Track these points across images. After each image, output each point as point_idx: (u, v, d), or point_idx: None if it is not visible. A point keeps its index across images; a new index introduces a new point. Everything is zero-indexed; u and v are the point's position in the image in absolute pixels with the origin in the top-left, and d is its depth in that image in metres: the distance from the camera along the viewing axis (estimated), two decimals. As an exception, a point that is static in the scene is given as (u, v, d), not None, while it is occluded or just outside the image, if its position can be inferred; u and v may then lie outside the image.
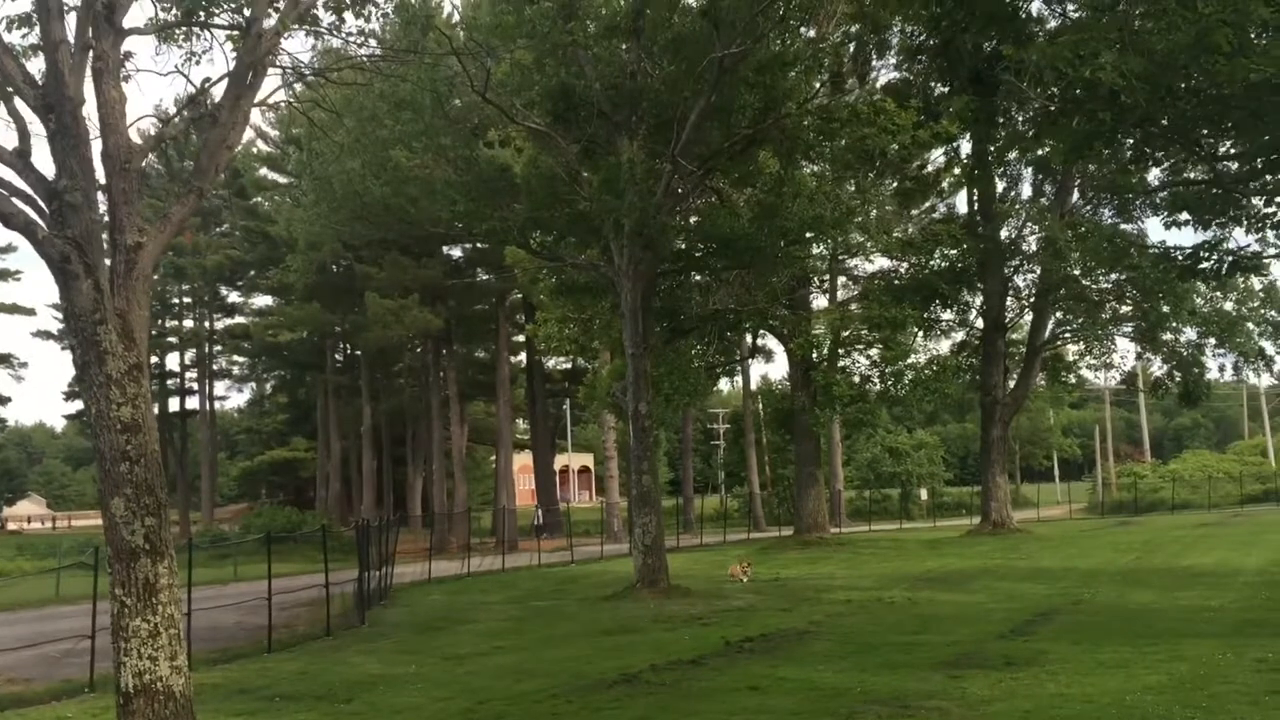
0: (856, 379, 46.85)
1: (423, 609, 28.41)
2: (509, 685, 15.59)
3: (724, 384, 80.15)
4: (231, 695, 15.60)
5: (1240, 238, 21.03)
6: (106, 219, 11.42)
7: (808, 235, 32.02)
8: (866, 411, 46.68)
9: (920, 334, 49.11)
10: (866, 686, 13.83)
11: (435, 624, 24.76)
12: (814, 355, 45.47)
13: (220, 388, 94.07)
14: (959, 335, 53.22)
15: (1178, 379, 51.15)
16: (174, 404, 78.99)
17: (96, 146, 11.19)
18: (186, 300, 76.95)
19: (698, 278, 35.47)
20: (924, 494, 79.96)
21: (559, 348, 48.53)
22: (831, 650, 17.64)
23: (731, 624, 21.94)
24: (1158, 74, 14.21)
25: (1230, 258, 19.93)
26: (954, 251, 46.09)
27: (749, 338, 53.11)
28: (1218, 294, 50.08)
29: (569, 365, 72.89)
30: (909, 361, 46.04)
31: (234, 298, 78.97)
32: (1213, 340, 50.30)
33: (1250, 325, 51.37)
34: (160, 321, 73.36)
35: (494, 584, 35.48)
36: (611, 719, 12.60)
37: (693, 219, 33.93)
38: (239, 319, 78.25)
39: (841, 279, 52.52)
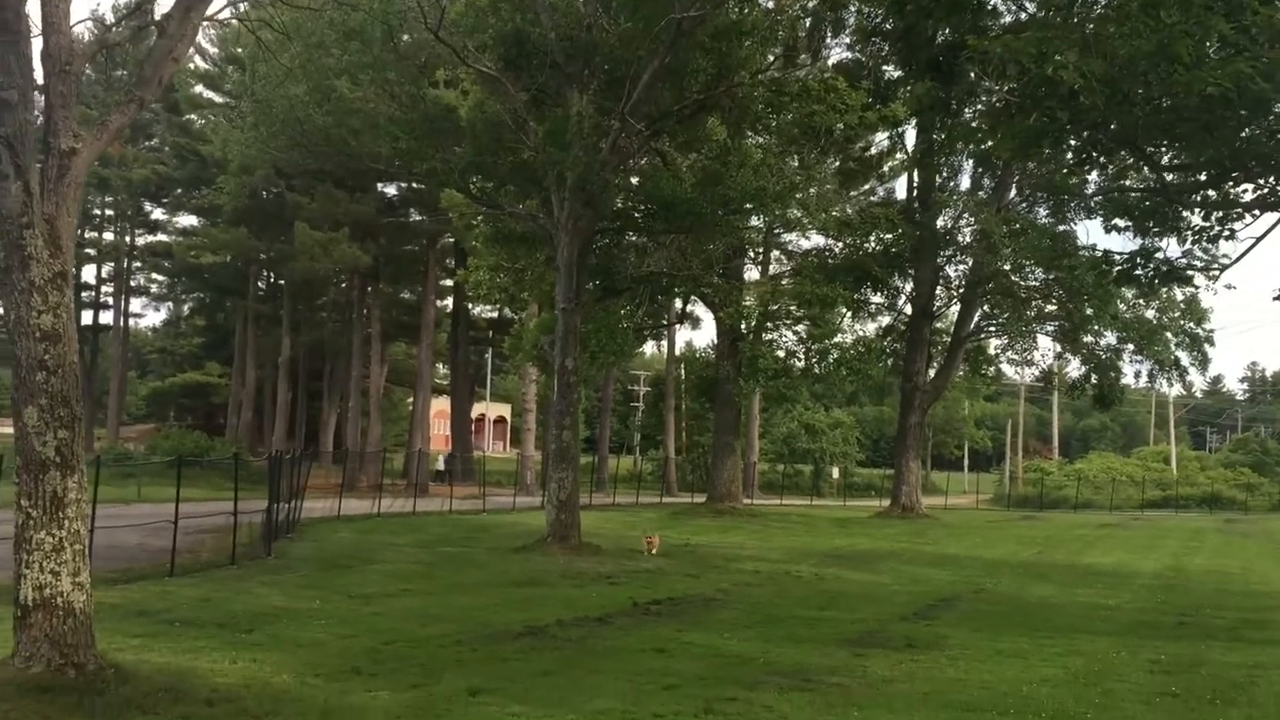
0: (782, 354, 47.10)
1: (330, 545, 28.16)
2: (415, 628, 15.50)
3: (648, 347, 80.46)
4: (130, 616, 15.34)
5: (1173, 249, 21.40)
6: (40, 121, 11.08)
7: (748, 206, 31.97)
8: (790, 387, 47.06)
9: (849, 315, 49.53)
10: (770, 657, 13.93)
11: (342, 561, 24.55)
12: (743, 326, 45.61)
13: (136, 305, 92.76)
14: (886, 319, 53.77)
15: (1094, 381, 52.12)
16: (86, 317, 77.25)
17: (36, 46, 10.85)
18: (108, 213, 75.12)
19: (634, 239, 35.31)
20: (836, 473, 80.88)
21: (488, 296, 48.25)
22: (738, 619, 17.76)
23: (640, 585, 22.01)
24: (1117, 78, 14.34)
25: (1165, 268, 20.27)
26: (889, 236, 46.41)
27: (679, 303, 53.15)
28: (1140, 302, 51.04)
29: (495, 315, 72.47)
30: (835, 341, 46.39)
31: (158, 214, 77.18)
32: (1131, 346, 51.35)
33: (1169, 335, 52.48)
34: (80, 232, 71.58)
35: (403, 526, 35.27)
36: (516, 670, 12.56)
37: (635, 180, 33.75)
38: (161, 237, 76.58)
39: (775, 253, 52.71)
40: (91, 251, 74.42)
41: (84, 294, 76.06)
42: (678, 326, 65.78)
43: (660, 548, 28.40)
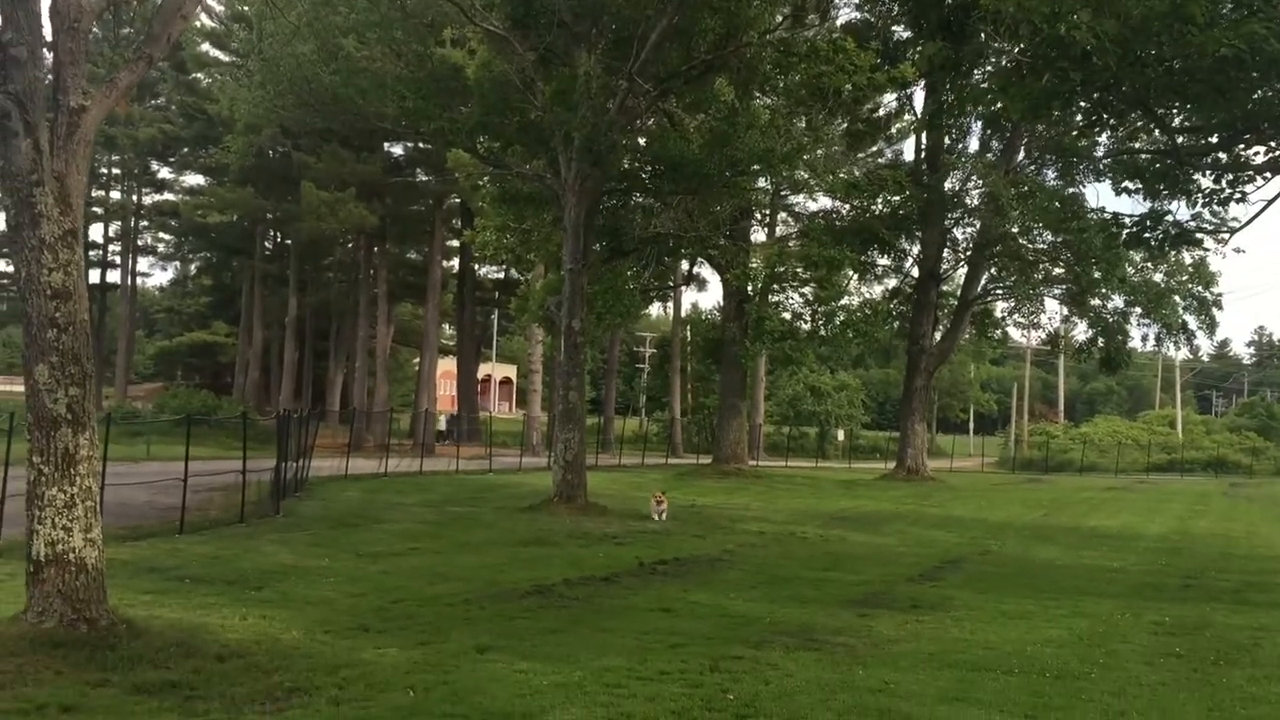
0: (788, 316, 47.06)
1: (338, 504, 28.28)
2: (422, 587, 15.59)
3: (654, 309, 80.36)
4: (141, 573, 15.44)
5: (1183, 213, 21.31)
6: (50, 79, 11.05)
7: (755, 167, 31.85)
8: (796, 349, 46.97)
9: (855, 277, 49.43)
10: (776, 617, 14.00)
11: (350, 520, 24.66)
12: (749, 288, 45.54)
13: (143, 264, 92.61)
14: (893, 282, 53.65)
15: (1101, 345, 52.02)
16: (94, 276, 77.18)
17: (45, 3, 10.81)
18: (115, 171, 74.92)
19: (642, 200, 35.21)
20: (841, 435, 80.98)
21: (495, 256, 48.14)
22: (743, 579, 17.85)
23: (646, 545, 22.10)
24: (1130, 38, 14.24)
25: (1175, 230, 20.17)
26: (897, 198, 46.25)
27: (686, 265, 53.08)
28: (1148, 265, 50.90)
29: (501, 275, 72.42)
30: (842, 303, 46.33)
31: (165, 174, 76.99)
32: (1139, 310, 51.24)
33: (1177, 298, 52.35)
34: (87, 191, 71.34)
35: (410, 486, 35.41)
36: (524, 628, 12.64)
37: (642, 140, 33.62)
38: (168, 196, 76.36)
39: (782, 215, 52.62)
40: (99, 210, 74.29)
41: (91, 253, 75.95)
42: (684, 288, 65.80)
43: (662, 521, 27.53)
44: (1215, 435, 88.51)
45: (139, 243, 79.36)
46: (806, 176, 40.52)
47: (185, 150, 70.13)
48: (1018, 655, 11.88)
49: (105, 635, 10.44)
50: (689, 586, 16.65)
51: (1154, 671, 11.35)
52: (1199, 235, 21.99)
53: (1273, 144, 18.07)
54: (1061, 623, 14.35)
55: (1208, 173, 19.45)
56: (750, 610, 14.52)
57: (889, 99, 48.30)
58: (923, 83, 44.35)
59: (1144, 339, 54.95)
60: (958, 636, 13.09)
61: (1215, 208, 19.95)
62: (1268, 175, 18.76)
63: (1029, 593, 17.21)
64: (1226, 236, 23.19)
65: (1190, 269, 52.96)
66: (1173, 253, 45.36)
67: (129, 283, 77.09)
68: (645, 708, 8.88)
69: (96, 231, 77.13)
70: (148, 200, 76.40)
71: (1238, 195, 19.41)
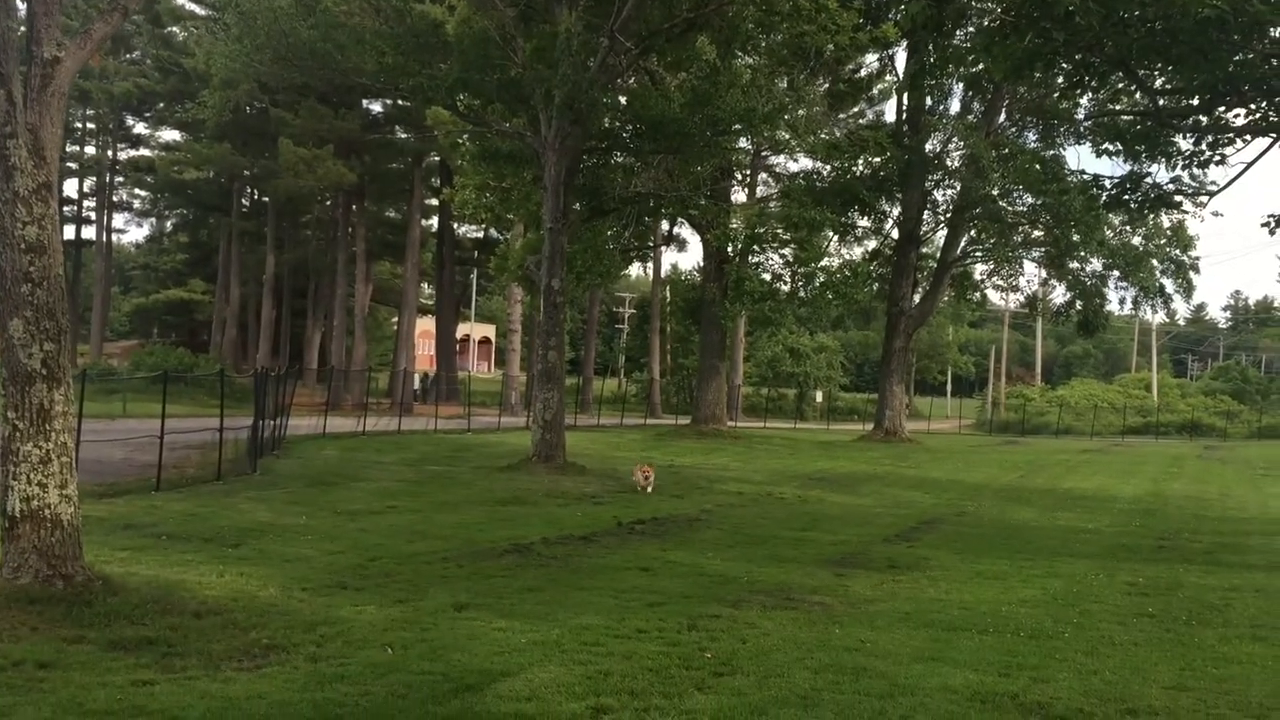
0: (768, 276, 47.02)
1: (316, 463, 28.24)
2: (401, 545, 15.61)
3: (633, 270, 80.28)
4: (117, 530, 15.41)
5: (1162, 176, 21.31)
6: (23, 30, 10.90)
7: (736, 127, 31.73)
8: (775, 310, 46.93)
9: (835, 238, 49.38)
10: (754, 576, 14.05)
11: (328, 479, 24.64)
12: (729, 249, 45.47)
13: (119, 220, 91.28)
14: (873, 244, 53.60)
15: (1079, 308, 52.18)
16: (69, 232, 76.62)
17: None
18: (90, 126, 74.22)
19: (622, 159, 35.05)
20: (819, 397, 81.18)
21: (474, 215, 47.87)
22: (721, 539, 17.91)
23: (624, 505, 22.16)
24: (1113, -1, 14.21)
25: (1155, 193, 20.20)
26: (878, 159, 46.15)
27: (666, 224, 52.95)
28: (1127, 228, 50.99)
29: (480, 234, 72.13)
30: (822, 264, 46.28)
31: (140, 129, 76.37)
32: (1117, 273, 51.37)
33: (1154, 262, 52.50)
34: (62, 145, 70.67)
35: (389, 445, 35.38)
36: (501, 586, 12.66)
37: (623, 99, 33.43)
38: (144, 151, 75.78)
39: (763, 176, 52.47)
40: (73, 166, 73.66)
41: (66, 209, 75.39)
42: (664, 248, 65.73)
43: (648, 492, 26.52)
44: (1190, 399, 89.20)
45: (114, 199, 78.77)
46: (787, 137, 40.38)
47: (161, 105, 69.49)
48: (992, 615, 11.96)
49: (81, 592, 10.41)
50: (667, 546, 16.70)
51: (1127, 631, 11.44)
52: (1178, 198, 22.03)
53: (1253, 106, 18.08)
54: (1036, 583, 14.45)
55: (1188, 135, 19.45)
56: (728, 570, 14.57)
57: (871, 59, 48.20)
58: (905, 43, 44.11)
59: (1121, 302, 55.07)
60: (933, 596, 13.17)
61: (1195, 170, 20.00)
62: (1247, 137, 18.76)
63: (1004, 553, 17.32)
64: (1205, 200, 23.24)
65: (1168, 232, 53.09)
66: (1151, 216, 45.46)
67: (104, 239, 76.55)
68: (623, 665, 8.91)
69: (71, 187, 76.62)
70: (123, 156, 75.77)
71: (1217, 158, 19.42)
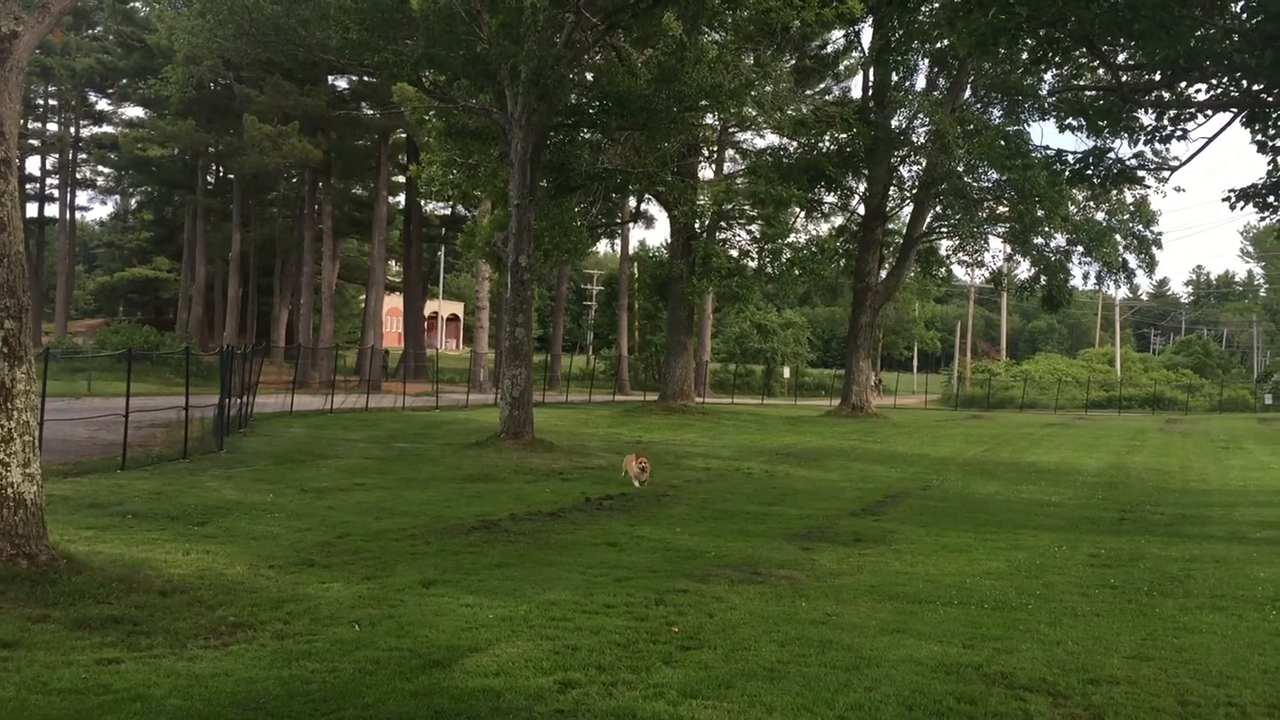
0: (736, 253, 47.09)
1: (283, 441, 28.13)
2: (368, 522, 15.58)
3: (601, 247, 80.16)
4: (82, 509, 15.30)
5: (1125, 150, 21.46)
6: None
7: (703, 103, 31.68)
8: (743, 286, 47.03)
9: (802, 214, 49.49)
10: (721, 551, 14.13)
11: (295, 456, 24.55)
12: (697, 225, 45.47)
13: (82, 198, 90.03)
14: (839, 220, 53.77)
15: (1043, 283, 52.55)
16: (31, 210, 75.74)
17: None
18: (52, 103, 73.37)
19: (589, 135, 34.95)
20: (787, 372, 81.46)
21: (441, 192, 47.63)
22: (689, 514, 17.99)
23: (592, 481, 22.20)
24: (1076, -27, 14.27)
25: (1118, 168, 20.35)
26: (844, 135, 46.22)
27: (633, 201, 52.87)
28: (1090, 204, 51.34)
29: (448, 211, 71.85)
30: (789, 241, 46.37)
31: (103, 105, 75.60)
32: (1081, 248, 51.73)
33: (1117, 237, 52.90)
34: (23, 122, 69.95)
35: (356, 422, 35.27)
36: (469, 562, 12.67)
37: (590, 75, 33.31)
38: (107, 128, 74.97)
39: (730, 152, 52.46)
40: (35, 143, 72.81)
41: (29, 186, 74.56)
42: (631, 225, 65.62)
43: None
44: (1153, 373, 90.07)
45: (78, 176, 77.95)
46: (754, 113, 40.36)
47: (124, 81, 68.72)
48: (957, 587, 12.07)
49: (45, 571, 10.35)
50: (635, 521, 16.75)
51: (1089, 602, 11.58)
52: (1140, 173, 22.20)
53: (1214, 81, 18.23)
54: (1000, 555, 14.59)
55: (1150, 110, 19.62)
56: (695, 544, 14.64)
57: (837, 35, 48.18)
58: (870, 19, 44.21)
59: (1085, 277, 55.73)
60: (899, 569, 13.28)
61: (1157, 145, 20.17)
62: (1208, 113, 18.94)
63: (969, 526, 17.48)
64: (1167, 175, 23.48)
65: (1131, 208, 53.54)
66: (1114, 191, 45.80)
67: (68, 217, 75.81)
68: (590, 640, 8.95)
69: (33, 164, 75.72)
70: (86, 133, 74.96)
71: (1179, 133, 19.62)
